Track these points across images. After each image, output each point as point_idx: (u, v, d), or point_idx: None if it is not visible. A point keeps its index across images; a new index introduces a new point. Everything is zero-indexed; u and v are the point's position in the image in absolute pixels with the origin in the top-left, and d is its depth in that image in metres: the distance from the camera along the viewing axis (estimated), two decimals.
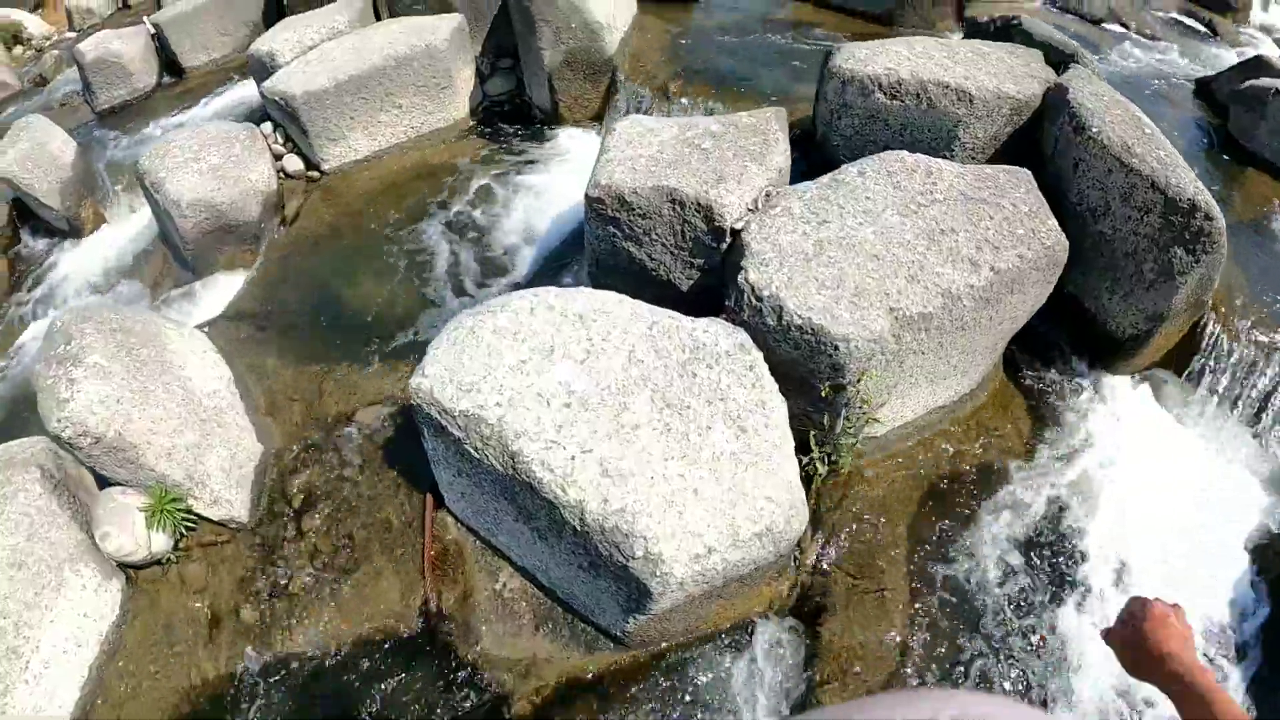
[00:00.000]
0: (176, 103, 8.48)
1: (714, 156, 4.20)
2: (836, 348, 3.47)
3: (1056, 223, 3.95)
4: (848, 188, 4.07)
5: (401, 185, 6.13)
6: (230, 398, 4.38)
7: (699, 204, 3.97)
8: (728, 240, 4.01)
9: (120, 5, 12.68)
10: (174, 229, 5.82)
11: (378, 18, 7.17)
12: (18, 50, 12.54)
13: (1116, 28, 7.70)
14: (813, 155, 4.92)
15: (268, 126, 6.49)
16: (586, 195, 4.16)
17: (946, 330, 3.73)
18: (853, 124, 4.77)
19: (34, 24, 12.86)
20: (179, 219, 5.68)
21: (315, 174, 6.41)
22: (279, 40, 6.75)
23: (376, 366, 4.75)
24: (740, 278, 3.67)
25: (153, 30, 8.95)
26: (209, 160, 5.86)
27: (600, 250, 4.40)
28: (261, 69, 6.77)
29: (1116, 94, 4.52)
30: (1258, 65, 6.56)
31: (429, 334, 4.86)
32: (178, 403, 4.00)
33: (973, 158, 4.78)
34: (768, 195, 4.09)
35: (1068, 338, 4.63)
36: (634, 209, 4.10)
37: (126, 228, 7.11)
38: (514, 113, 6.67)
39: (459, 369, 3.42)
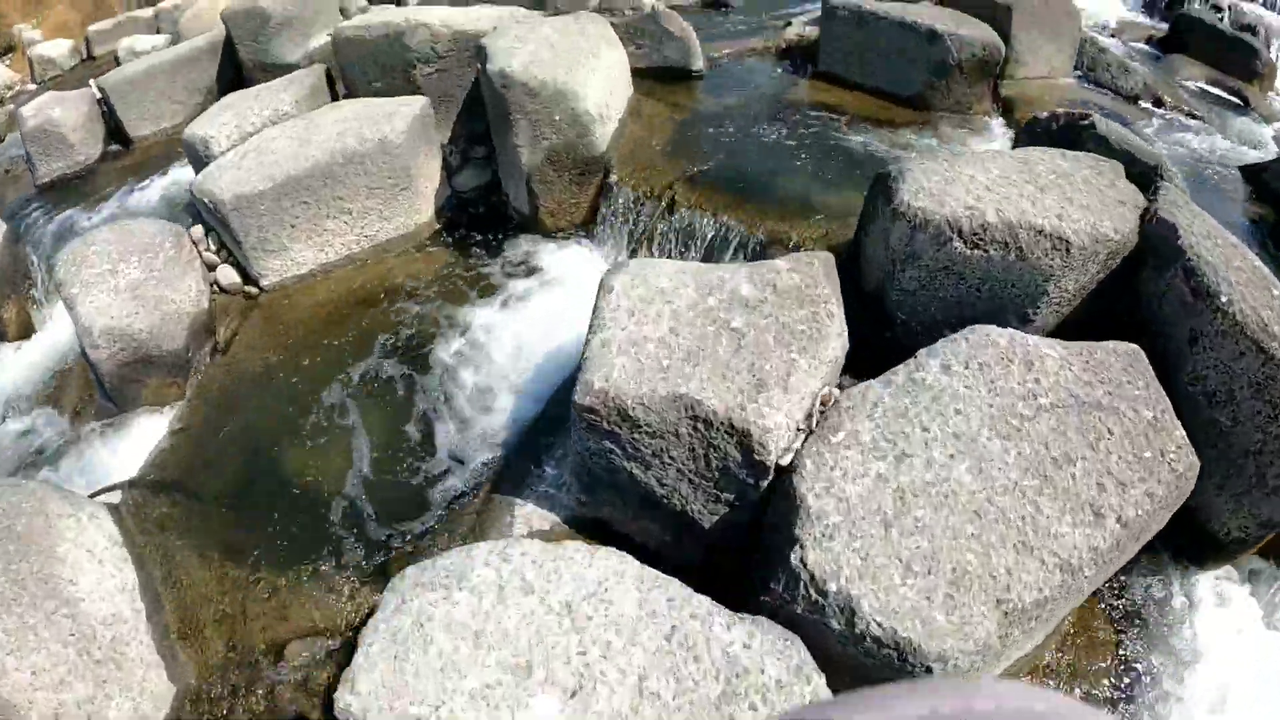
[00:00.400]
0: (120, 179, 7.09)
1: (748, 342, 2.91)
2: (929, 668, 2.24)
3: (1185, 434, 2.74)
4: (930, 394, 2.78)
5: (353, 310, 4.76)
6: (134, 619, 3.11)
7: (732, 426, 2.70)
8: (770, 476, 2.65)
9: (84, 58, 11.21)
10: (87, 359, 4.54)
11: (334, 97, 5.75)
12: None
13: (1152, 105, 6.41)
14: (859, 308, 3.56)
15: (199, 230, 5.08)
16: (574, 403, 2.84)
17: (1058, 606, 2.50)
18: (919, 277, 3.44)
19: None
20: (91, 350, 4.39)
21: (253, 289, 5.02)
22: (216, 124, 5.37)
23: (312, 579, 3.40)
24: (794, 557, 2.39)
25: (99, 95, 7.52)
26: (128, 274, 4.52)
27: (593, 464, 3.08)
28: (196, 157, 5.39)
29: (1220, 228, 3.43)
30: None
31: (375, 534, 3.52)
32: (66, 641, 2.82)
33: (1058, 313, 3.51)
34: (823, 406, 2.75)
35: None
36: (640, 425, 2.80)
37: (56, 335, 5.70)
38: (488, 214, 5.28)
39: (401, 689, 2.26)
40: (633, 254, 4.56)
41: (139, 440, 4.41)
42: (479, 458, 3.78)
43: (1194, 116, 6.50)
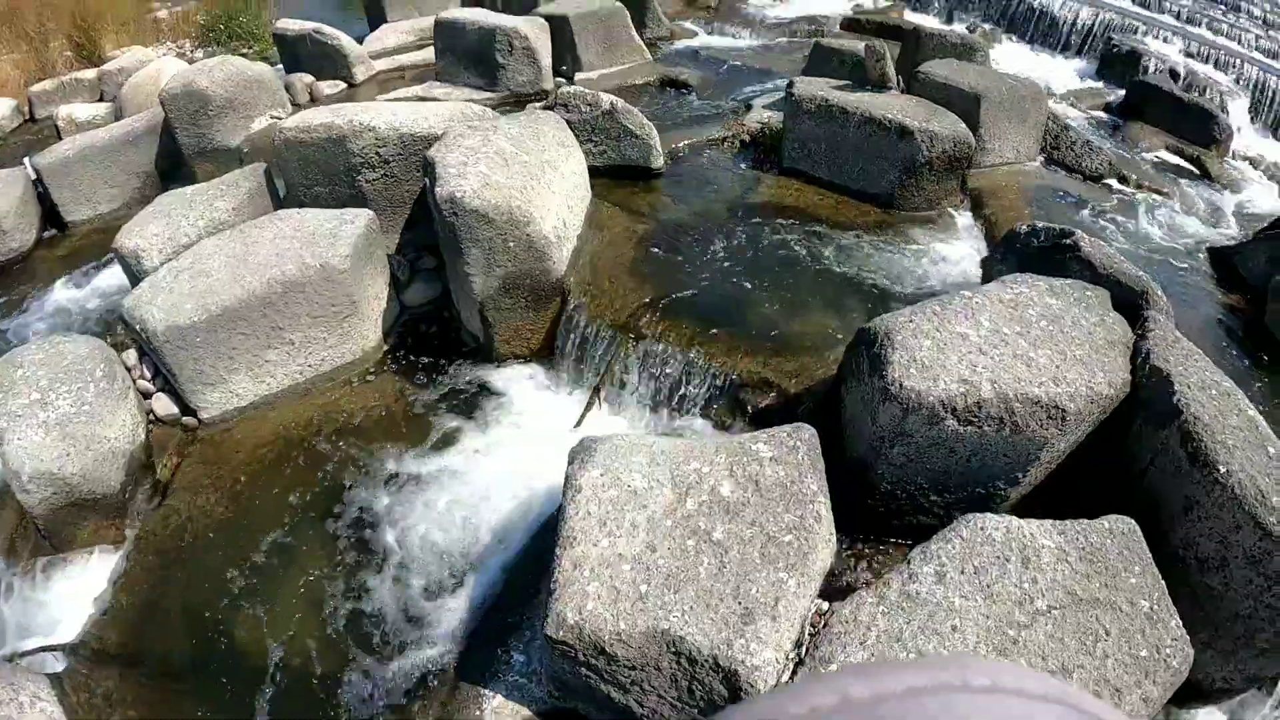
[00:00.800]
0: (55, 270, 6.52)
1: (732, 559, 2.56)
2: None
3: (1180, 623, 2.58)
4: (925, 611, 2.51)
5: (298, 450, 4.27)
6: None
7: (718, 664, 2.35)
8: None
9: (26, 118, 10.58)
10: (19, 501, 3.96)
11: (274, 201, 5.27)
12: None
13: (1116, 184, 6.13)
14: (841, 471, 3.18)
15: (133, 354, 4.58)
16: (546, 635, 2.44)
17: None
18: (907, 453, 3.07)
19: None
20: (21, 494, 3.84)
21: (192, 421, 4.52)
22: (148, 234, 4.88)
23: None
24: None
25: (34, 175, 6.96)
26: (58, 407, 3.97)
27: (568, 681, 2.67)
28: (128, 269, 4.89)
29: (1212, 370, 3.22)
30: None
31: None
32: None
33: (1046, 469, 3.21)
34: (813, 627, 2.40)
35: None
36: (618, 660, 2.41)
37: None
38: (440, 334, 4.82)
39: None
40: (594, 393, 4.13)
41: (79, 585, 3.92)
42: (441, 637, 3.34)
43: (1158, 193, 6.22)
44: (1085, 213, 5.47)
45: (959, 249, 4.81)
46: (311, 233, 4.48)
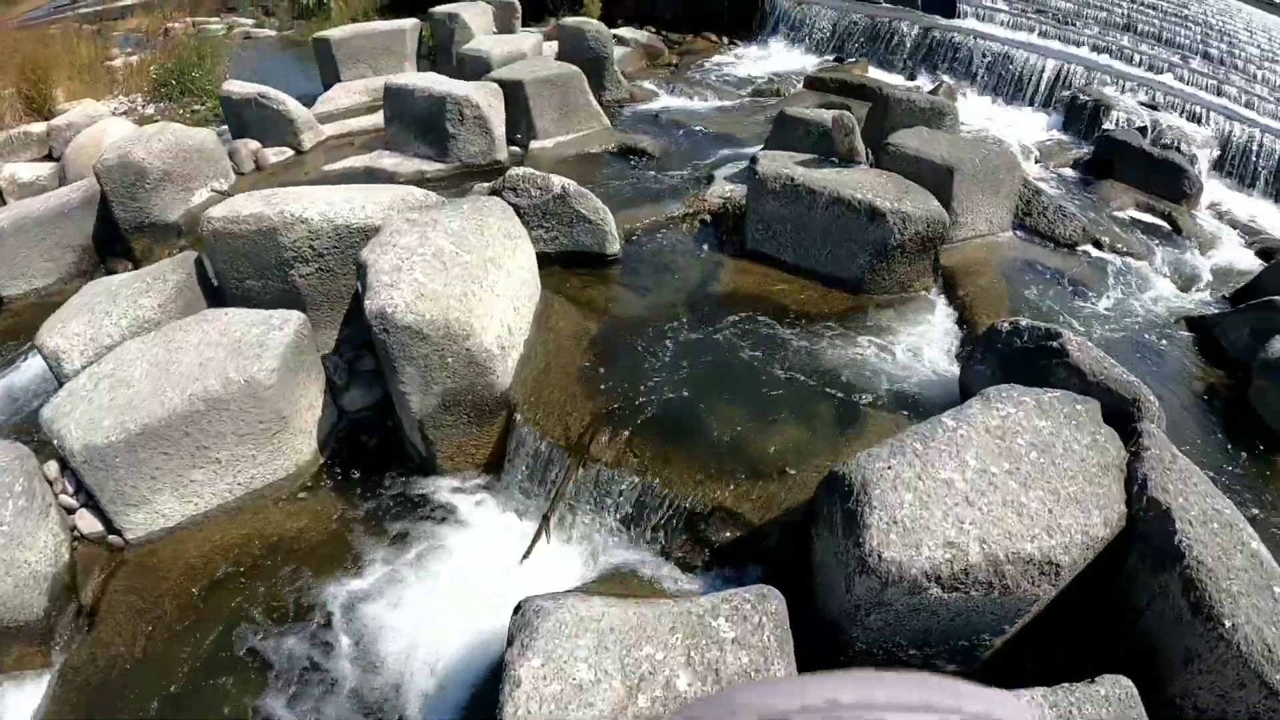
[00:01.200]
0: None
1: None
2: None
3: None
4: None
5: (229, 577, 3.83)
6: None
7: None
8: None
9: None
10: None
11: (206, 291, 4.82)
12: None
13: (1091, 249, 5.82)
14: (810, 626, 2.81)
15: (54, 467, 4.13)
16: None
17: None
18: (886, 618, 2.70)
19: None
20: None
21: (118, 540, 4.07)
22: (69, 333, 4.45)
23: None
24: None
25: None
26: None
27: None
28: (50, 369, 4.47)
29: (1213, 496, 2.95)
30: (1269, 309, 4.81)
31: None
32: None
33: (1034, 619, 2.83)
34: None
35: None
36: None
37: None
38: (381, 443, 4.37)
39: None
40: (543, 522, 3.70)
41: (13, 701, 3.56)
42: None
43: (1132, 256, 5.92)
44: (1061, 288, 5.14)
45: (934, 337, 4.45)
46: (237, 340, 4.04)
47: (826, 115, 5.48)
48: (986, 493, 2.69)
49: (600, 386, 3.96)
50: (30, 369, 5.61)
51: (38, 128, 9.98)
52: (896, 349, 4.28)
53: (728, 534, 3.34)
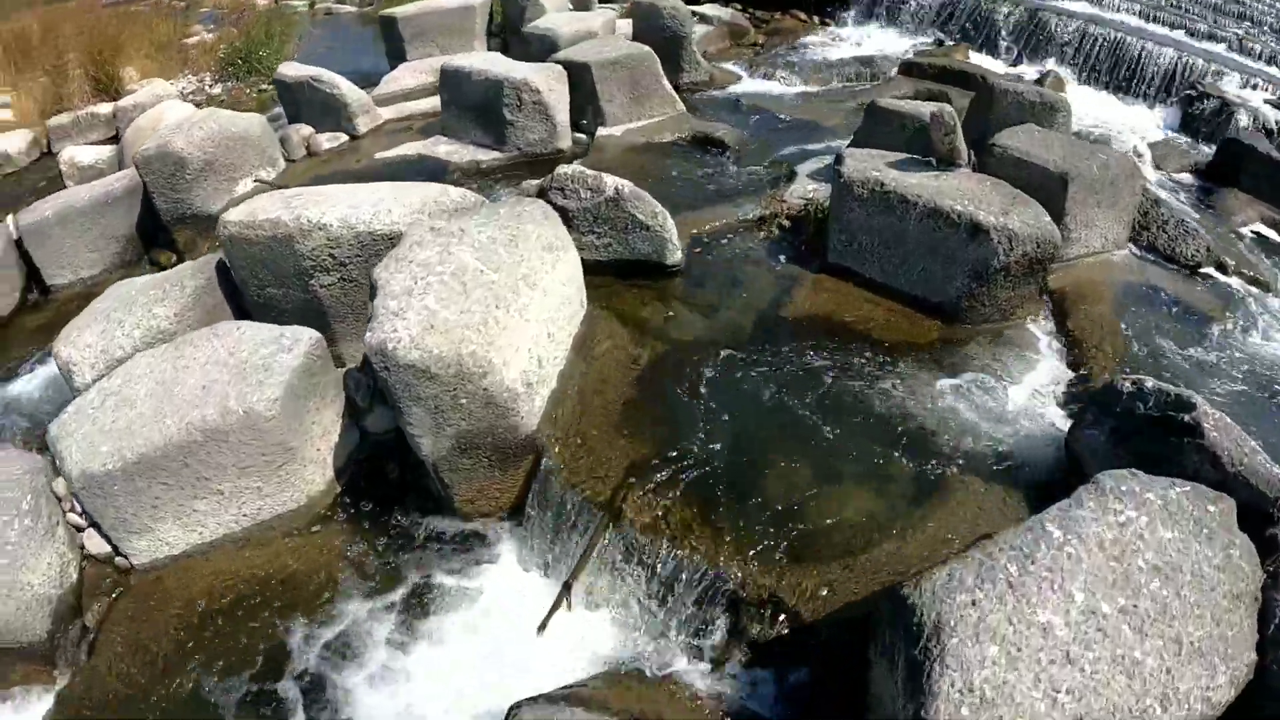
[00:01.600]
0: (28, 342, 5.82)
1: None
2: None
3: None
4: None
5: (234, 610, 3.50)
6: None
7: None
8: None
9: (44, 152, 9.89)
10: None
11: (228, 297, 4.37)
12: None
13: (1216, 273, 4.98)
14: None
15: (63, 485, 3.81)
16: None
17: None
18: None
19: None
20: None
21: (125, 562, 3.78)
22: (81, 344, 4.15)
23: None
24: None
25: (16, 235, 6.21)
26: None
27: None
28: (64, 380, 4.15)
29: None
30: None
31: None
32: None
33: None
34: None
35: None
36: None
37: None
38: (402, 474, 3.84)
39: None
40: (564, 590, 3.17)
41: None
42: None
43: (1260, 285, 5.03)
44: (1183, 324, 4.34)
45: (1038, 380, 3.75)
46: (243, 362, 3.61)
47: (924, 109, 4.75)
48: (1093, 644, 2.07)
49: (643, 430, 3.41)
50: (51, 372, 5.34)
51: (105, 108, 9.76)
52: (993, 394, 3.60)
53: (772, 625, 2.76)
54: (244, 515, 3.71)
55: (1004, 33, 8.78)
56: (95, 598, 3.73)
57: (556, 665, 3.05)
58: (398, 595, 3.44)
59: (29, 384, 5.31)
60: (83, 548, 3.83)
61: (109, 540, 3.77)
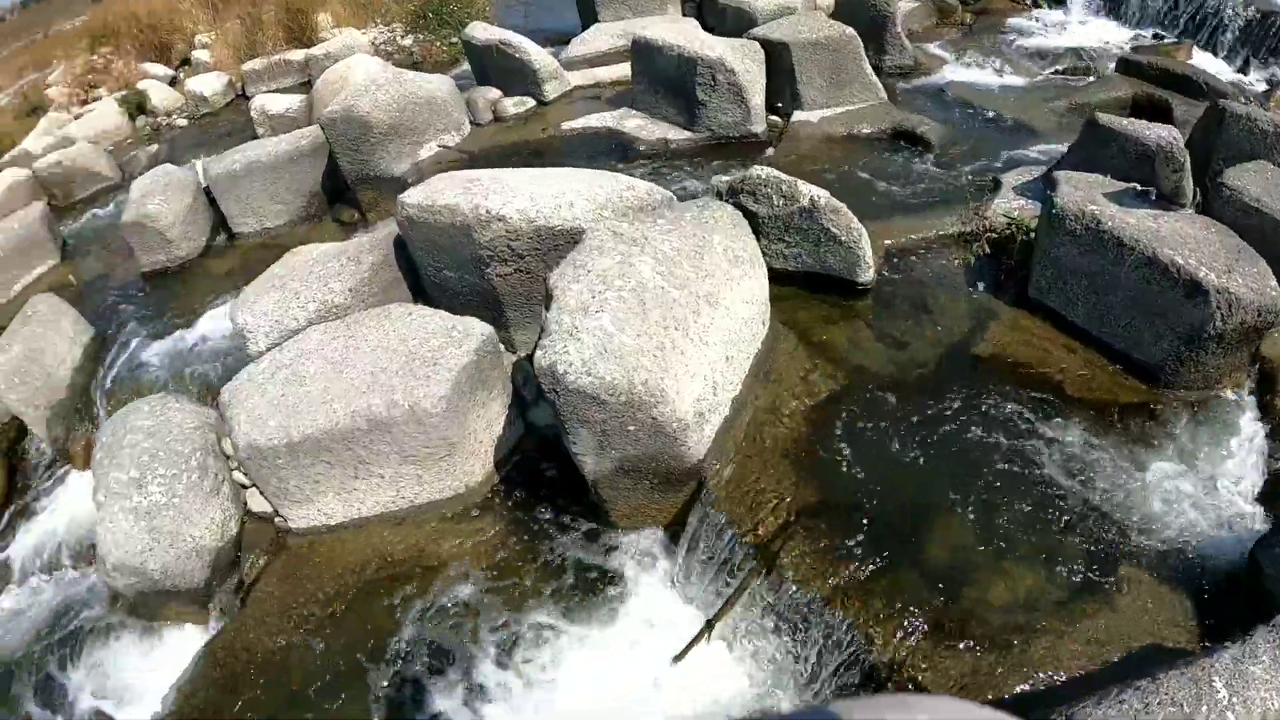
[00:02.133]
0: (214, 286, 6.18)
1: None
2: None
3: None
4: None
5: (385, 584, 3.64)
6: None
7: None
8: None
9: (238, 94, 10.41)
10: None
11: (406, 277, 4.45)
12: (140, 121, 10.41)
13: None
14: None
15: (230, 443, 4.05)
16: None
17: None
18: None
19: (160, 94, 10.71)
20: (105, 577, 3.68)
21: (283, 523, 4.01)
22: (257, 312, 4.29)
23: None
24: None
25: (205, 183, 6.56)
26: (150, 494, 3.65)
27: None
28: (240, 343, 4.35)
29: None
30: None
31: None
32: None
33: None
34: None
35: None
36: None
37: None
38: (561, 471, 3.81)
39: None
40: (706, 626, 3.12)
41: (172, 643, 3.82)
42: None
43: None
44: None
45: (1235, 466, 3.30)
46: (412, 352, 3.67)
47: (1149, 134, 4.29)
48: None
49: (812, 471, 3.25)
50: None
51: (297, 55, 10.17)
52: (1183, 478, 3.23)
53: None
54: (401, 497, 3.80)
55: (1232, 32, 7.94)
56: (253, 553, 3.96)
57: (687, 695, 3.04)
58: (537, 598, 3.46)
59: (212, 331, 5.59)
60: (246, 504, 4.06)
61: (270, 502, 3.97)
